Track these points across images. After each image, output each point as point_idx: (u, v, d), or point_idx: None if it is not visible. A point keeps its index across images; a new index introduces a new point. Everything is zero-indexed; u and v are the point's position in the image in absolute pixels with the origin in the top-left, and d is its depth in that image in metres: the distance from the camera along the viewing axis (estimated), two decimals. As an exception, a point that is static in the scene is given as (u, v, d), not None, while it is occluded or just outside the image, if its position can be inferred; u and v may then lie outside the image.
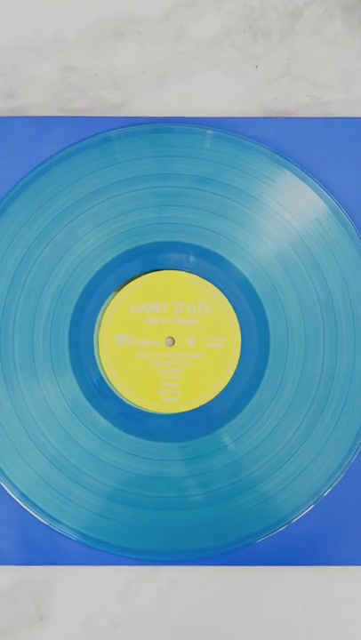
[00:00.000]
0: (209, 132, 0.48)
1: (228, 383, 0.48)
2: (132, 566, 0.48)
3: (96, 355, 0.47)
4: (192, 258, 0.48)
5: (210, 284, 0.48)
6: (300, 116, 0.49)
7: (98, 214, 0.48)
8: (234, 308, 0.48)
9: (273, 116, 0.48)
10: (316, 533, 0.48)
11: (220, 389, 0.48)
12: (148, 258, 0.48)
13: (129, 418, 0.48)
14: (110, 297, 0.48)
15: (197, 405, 0.48)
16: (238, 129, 0.48)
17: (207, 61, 0.48)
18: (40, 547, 0.47)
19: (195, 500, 0.47)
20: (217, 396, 0.48)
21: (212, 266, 0.48)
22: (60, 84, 0.49)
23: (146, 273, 0.48)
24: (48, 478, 0.47)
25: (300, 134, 0.48)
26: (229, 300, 0.48)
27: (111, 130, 0.48)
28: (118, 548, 0.47)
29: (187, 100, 0.48)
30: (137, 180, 0.48)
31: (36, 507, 0.47)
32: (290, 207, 0.48)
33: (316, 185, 0.48)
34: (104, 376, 0.47)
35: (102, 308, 0.48)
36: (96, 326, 0.48)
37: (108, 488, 0.48)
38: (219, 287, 0.48)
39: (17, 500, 0.48)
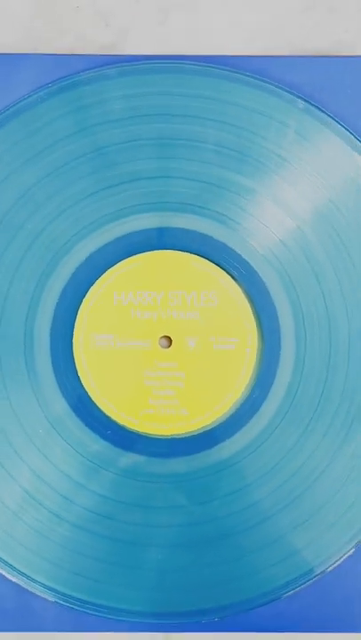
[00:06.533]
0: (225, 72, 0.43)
1: (240, 398, 0.42)
2: (123, 633, 0.43)
3: (76, 360, 0.42)
4: (194, 234, 0.42)
5: (216, 267, 0.42)
6: (337, 54, 0.45)
7: (60, 176, 0.42)
8: (249, 298, 0.42)
9: (303, 54, 0.45)
10: (354, 591, 0.42)
11: (229, 406, 0.42)
12: (138, 235, 0.42)
13: (119, 439, 0.43)
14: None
15: (199, 426, 0.42)
16: (260, 70, 0.43)
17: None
18: (9, 609, 0.43)
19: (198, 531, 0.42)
20: (225, 415, 0.43)
21: (219, 243, 0.42)
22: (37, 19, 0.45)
23: (134, 254, 0.43)
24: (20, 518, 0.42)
25: (337, 77, 0.44)
26: (243, 288, 0.42)
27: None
28: (105, 609, 0.42)
29: (194, 37, 0.45)
30: (131, 131, 0.42)
31: (3, 561, 0.42)
32: (324, 167, 0.42)
33: (357, 141, 0.43)
34: (85, 388, 0.43)
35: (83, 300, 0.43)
36: (76, 323, 0.43)
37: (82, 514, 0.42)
38: (228, 271, 0.42)
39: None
